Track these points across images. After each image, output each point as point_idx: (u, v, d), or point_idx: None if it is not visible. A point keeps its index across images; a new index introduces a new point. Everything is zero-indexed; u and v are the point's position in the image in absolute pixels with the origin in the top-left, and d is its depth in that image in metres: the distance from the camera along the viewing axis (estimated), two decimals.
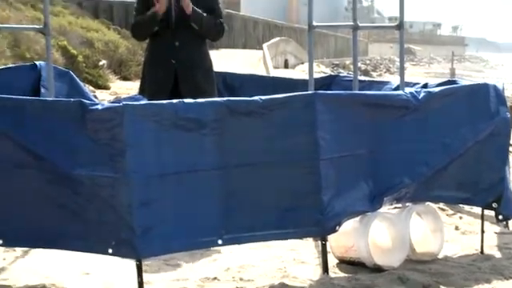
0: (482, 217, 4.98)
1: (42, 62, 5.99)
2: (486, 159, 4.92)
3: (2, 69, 5.85)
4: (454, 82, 5.42)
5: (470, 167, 4.83)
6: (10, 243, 4.25)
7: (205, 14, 5.45)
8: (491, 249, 4.90)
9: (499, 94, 5.02)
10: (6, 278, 4.27)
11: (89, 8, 25.66)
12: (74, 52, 15.91)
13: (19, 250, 4.62)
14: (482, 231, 4.93)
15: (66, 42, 15.94)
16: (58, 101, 4.70)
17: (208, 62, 5.65)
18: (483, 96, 4.98)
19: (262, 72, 21.16)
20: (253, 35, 41.97)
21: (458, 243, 4.99)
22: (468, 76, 34.53)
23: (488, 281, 4.30)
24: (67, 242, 4.03)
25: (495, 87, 5.05)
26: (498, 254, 4.82)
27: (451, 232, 5.14)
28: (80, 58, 15.93)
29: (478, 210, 5.07)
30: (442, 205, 5.39)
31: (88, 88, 7.62)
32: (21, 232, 4.08)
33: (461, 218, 5.57)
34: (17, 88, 5.51)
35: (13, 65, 7.33)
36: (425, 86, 5.37)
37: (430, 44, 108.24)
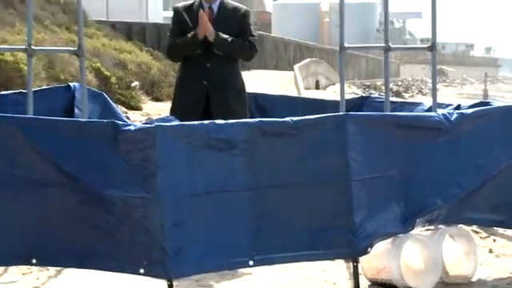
0: None
1: (76, 84, 6.09)
2: None
3: (38, 90, 5.92)
4: (487, 104, 5.38)
5: (503, 189, 4.78)
6: (43, 262, 4.25)
7: (230, 39, 5.43)
8: None
9: None
10: None
11: (122, 30, 25.92)
12: (107, 73, 16.07)
13: (52, 270, 4.64)
14: None
15: (99, 64, 16.11)
16: (91, 122, 4.75)
17: (240, 83, 5.65)
18: None
19: (293, 93, 21.19)
20: (284, 56, 42.06)
21: (492, 266, 4.92)
22: (501, 97, 34.22)
23: None
24: (99, 261, 4.04)
25: None
26: None
27: (485, 255, 5.08)
28: (113, 80, 16.07)
29: (510, 233, 5.00)
30: (475, 227, 5.32)
31: (121, 109, 7.69)
32: (54, 251, 4.09)
33: (495, 240, 5.51)
34: (51, 109, 5.60)
35: (48, 86, 7.41)
36: (457, 107, 5.34)
37: (462, 65, 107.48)
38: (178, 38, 5.61)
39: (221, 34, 5.40)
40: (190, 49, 5.52)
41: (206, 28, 5.33)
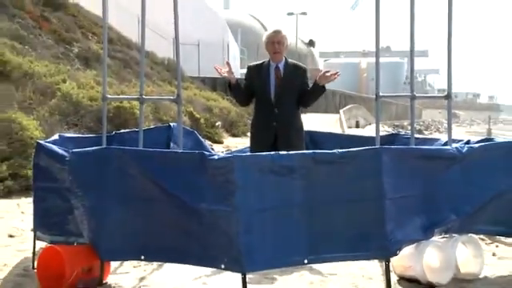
0: None
1: (174, 124, 6.16)
2: None
3: (146, 129, 6.05)
4: (490, 140, 5.28)
5: (504, 206, 4.65)
6: (149, 258, 4.31)
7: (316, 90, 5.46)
8: None
9: None
10: (146, 284, 4.36)
11: (209, 83, 26.35)
12: (198, 116, 16.25)
13: (155, 264, 4.69)
14: None
15: (192, 109, 16.32)
16: (186, 152, 4.81)
17: (299, 123, 5.62)
18: None
19: (338, 131, 21.09)
20: (331, 103, 41.88)
21: (495, 267, 4.78)
22: (502, 135, 33.40)
23: None
24: (191, 258, 4.07)
25: None
26: None
27: (489, 257, 4.93)
28: (202, 120, 16.25)
29: (511, 240, 4.88)
30: (482, 236, 5.18)
31: (207, 142, 7.77)
32: (157, 250, 4.15)
33: (497, 246, 5.35)
34: (157, 143, 5.69)
35: (154, 126, 7.57)
36: (467, 142, 5.23)
37: (471, 109, 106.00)
38: (244, 89, 5.62)
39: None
40: (230, 94, 5.77)
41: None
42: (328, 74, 5.38)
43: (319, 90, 5.46)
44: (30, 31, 16.23)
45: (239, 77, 6.11)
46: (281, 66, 5.48)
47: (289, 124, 5.47)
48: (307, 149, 5.58)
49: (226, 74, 5.46)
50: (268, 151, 4.68)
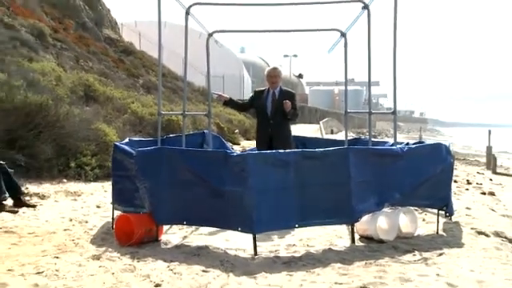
0: (438, 214, 4.71)
1: (206, 131, 6.14)
2: (440, 183, 4.65)
3: (187, 134, 6.02)
4: (422, 142, 5.22)
5: (432, 187, 4.57)
6: (189, 223, 4.30)
7: (292, 110, 5.35)
8: (442, 231, 4.61)
9: (447, 149, 4.80)
10: (187, 241, 4.32)
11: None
12: (222, 125, 16.23)
13: (193, 228, 4.64)
14: (438, 221, 4.66)
15: (218, 120, 16.30)
16: (214, 151, 4.83)
17: (287, 130, 5.54)
18: (439, 149, 4.76)
19: (319, 136, 20.96)
20: (314, 116, 41.71)
21: (424, 228, 4.71)
22: (429, 139, 33.22)
23: (440, 248, 4.04)
24: (218, 223, 4.07)
25: (445, 145, 4.85)
26: (446, 234, 4.53)
27: (420, 222, 4.86)
28: (225, 129, 16.23)
29: (435, 210, 4.82)
30: (416, 207, 5.11)
31: (229, 144, 7.74)
32: (195, 218, 4.13)
33: (426, 214, 5.28)
34: (194, 144, 5.70)
35: (192, 132, 7.58)
36: (407, 144, 5.17)
37: (408, 122, 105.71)
38: (247, 105, 5.72)
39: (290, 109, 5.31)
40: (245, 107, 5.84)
41: (286, 106, 5.28)
42: (286, 105, 5.29)
43: (290, 111, 5.37)
44: (110, 69, 16.37)
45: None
46: (276, 91, 5.46)
47: (279, 131, 5.42)
48: (297, 148, 5.54)
49: (219, 98, 5.67)
50: (266, 148, 4.75)
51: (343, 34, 5.29)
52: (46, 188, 6.54)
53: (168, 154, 4.20)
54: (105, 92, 11.69)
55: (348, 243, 4.20)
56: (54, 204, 5.81)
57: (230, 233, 4.26)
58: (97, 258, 3.66)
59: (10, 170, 5.52)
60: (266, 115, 5.44)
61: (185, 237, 4.45)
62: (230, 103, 5.64)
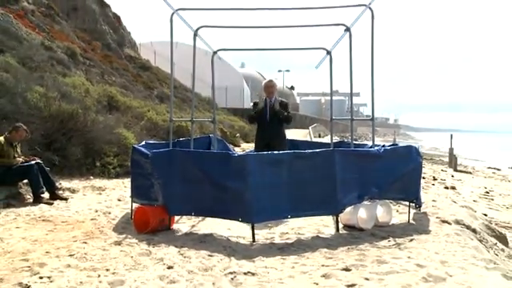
0: (409, 206, 4.69)
1: (211, 135, 6.12)
2: (411, 179, 4.64)
3: (195, 138, 5.99)
4: (396, 145, 5.21)
5: (404, 183, 4.55)
6: (197, 214, 4.28)
7: (285, 113, 5.37)
8: (412, 220, 4.58)
9: (417, 150, 4.78)
10: (195, 229, 4.29)
11: (232, 111, 26.19)
12: (225, 130, 16.18)
13: (200, 218, 4.60)
14: (409, 212, 4.64)
15: (222, 126, 16.26)
16: (218, 152, 4.79)
17: (283, 134, 5.55)
18: (410, 151, 4.74)
19: (308, 138, 20.93)
20: (305, 122, 41.60)
21: (398, 218, 4.69)
22: (402, 141, 33.28)
23: (411, 234, 4.02)
24: (221, 214, 4.03)
25: (415, 147, 4.84)
26: (416, 223, 4.50)
27: (395, 213, 4.83)
28: (228, 133, 16.18)
29: (406, 203, 4.80)
30: (391, 200, 5.08)
31: (231, 146, 7.71)
32: (202, 209, 4.10)
33: (399, 206, 5.26)
34: (202, 146, 5.66)
35: (199, 136, 7.56)
36: (383, 146, 5.15)
37: (384, 127, 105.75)
38: (252, 113, 5.59)
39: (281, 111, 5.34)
40: (255, 118, 5.52)
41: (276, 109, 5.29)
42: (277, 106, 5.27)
43: (283, 113, 5.37)
44: (130, 83, 16.32)
45: (249, 107, 6.01)
46: (273, 100, 5.46)
47: (276, 134, 5.42)
48: (289, 149, 5.51)
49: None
50: (264, 150, 4.70)
51: (329, 52, 5.29)
52: (75, 184, 6.52)
53: (179, 154, 4.18)
54: (125, 102, 11.69)
55: (333, 231, 4.17)
56: (83, 197, 5.80)
57: (231, 222, 4.23)
58: (118, 243, 3.65)
59: (46, 168, 5.65)
60: (265, 121, 5.45)
61: (193, 226, 4.42)
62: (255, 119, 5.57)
